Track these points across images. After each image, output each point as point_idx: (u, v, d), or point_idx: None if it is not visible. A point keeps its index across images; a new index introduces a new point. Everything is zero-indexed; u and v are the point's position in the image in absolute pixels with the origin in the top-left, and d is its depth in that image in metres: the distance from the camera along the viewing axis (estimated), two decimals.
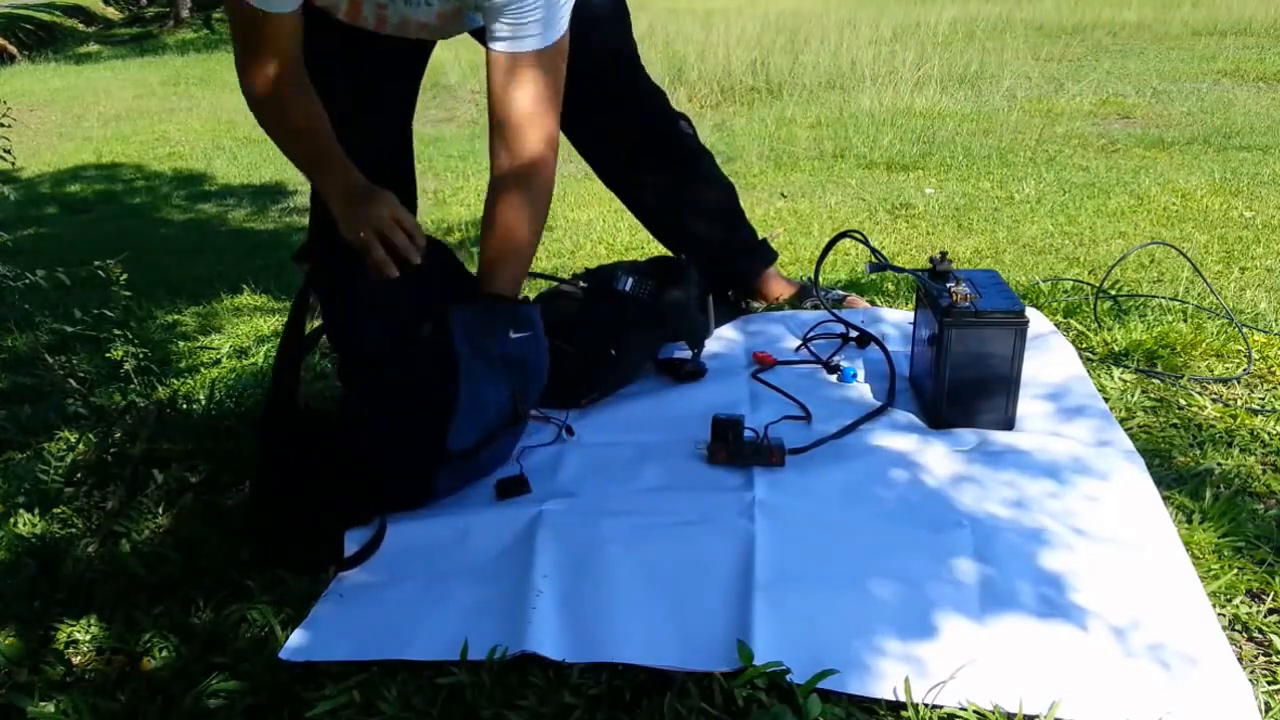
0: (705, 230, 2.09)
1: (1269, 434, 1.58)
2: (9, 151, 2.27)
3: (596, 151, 2.03)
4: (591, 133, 1.97)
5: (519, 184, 1.57)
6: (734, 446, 1.50)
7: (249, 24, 1.51)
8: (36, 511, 1.56)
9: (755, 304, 2.17)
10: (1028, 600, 1.20)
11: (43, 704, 1.13)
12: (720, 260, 2.09)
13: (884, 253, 1.71)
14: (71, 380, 2.02)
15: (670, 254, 2.07)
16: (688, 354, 1.85)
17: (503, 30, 1.50)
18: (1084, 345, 1.92)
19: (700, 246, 2.03)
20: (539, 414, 1.65)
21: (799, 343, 1.92)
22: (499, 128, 1.56)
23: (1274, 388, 1.74)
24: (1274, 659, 1.13)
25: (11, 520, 1.55)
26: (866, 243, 1.72)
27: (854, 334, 1.92)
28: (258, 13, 1.48)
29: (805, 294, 2.17)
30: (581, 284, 1.83)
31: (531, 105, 1.54)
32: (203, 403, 1.92)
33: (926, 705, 1.05)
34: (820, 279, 2.02)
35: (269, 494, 1.45)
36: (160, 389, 2.04)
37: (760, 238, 2.20)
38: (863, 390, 1.75)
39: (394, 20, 1.67)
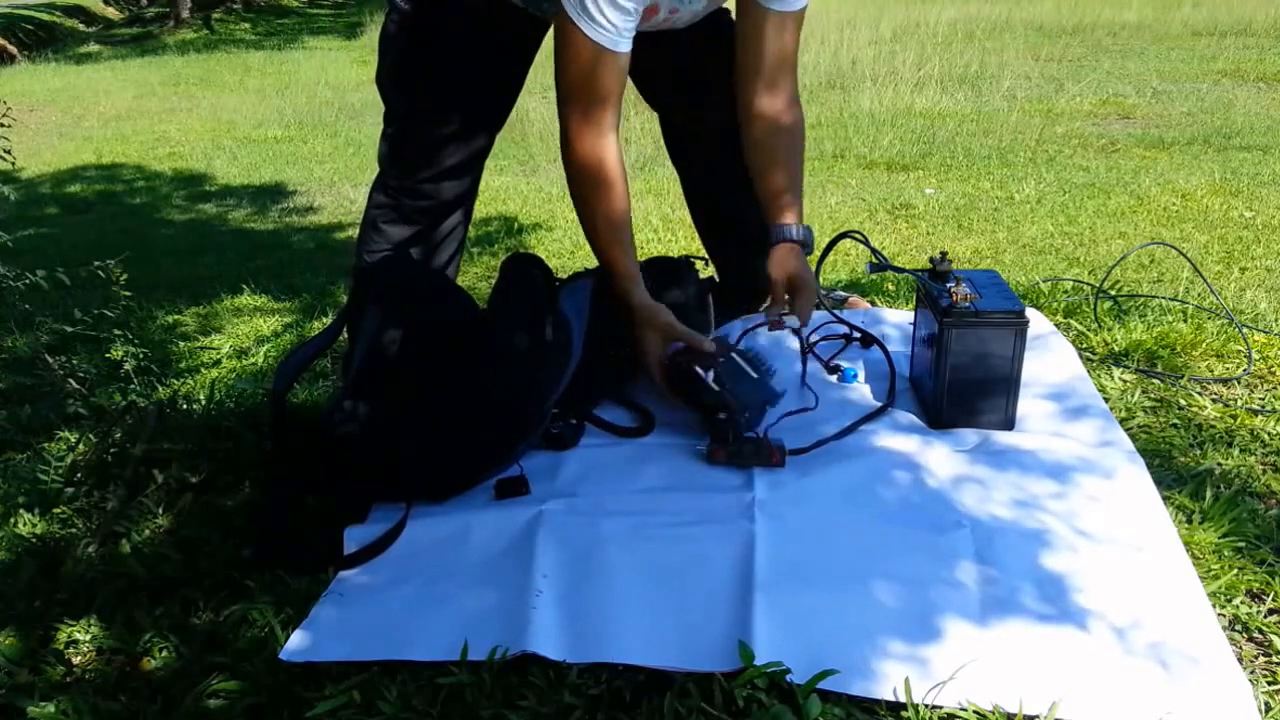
0: (747, 229, 2.08)
1: (1269, 434, 1.58)
2: (9, 152, 2.26)
3: (681, 111, 2.00)
4: (690, 97, 1.95)
5: (795, 121, 1.76)
6: (734, 446, 1.50)
7: (593, 70, 1.52)
8: (36, 511, 1.56)
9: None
10: (1028, 600, 1.20)
11: (43, 704, 1.13)
12: (753, 246, 2.09)
13: (884, 253, 1.71)
14: (71, 380, 2.01)
15: (671, 252, 2.06)
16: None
17: None
18: (1084, 345, 1.92)
19: (737, 246, 2.03)
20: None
21: (800, 344, 1.91)
22: (766, 74, 1.71)
23: (1274, 388, 1.74)
24: (1274, 659, 1.13)
25: (11, 520, 1.54)
26: (867, 243, 1.72)
27: (857, 335, 1.92)
28: (602, 53, 1.50)
29: None
30: None
31: (794, 55, 1.74)
32: (203, 403, 1.92)
33: (927, 705, 1.05)
34: (820, 279, 2.02)
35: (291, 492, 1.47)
36: (160, 389, 2.04)
37: None
38: (863, 391, 1.75)
39: (684, 15, 1.69)
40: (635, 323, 1.65)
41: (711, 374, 1.58)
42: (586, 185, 1.61)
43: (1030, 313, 1.62)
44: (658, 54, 1.71)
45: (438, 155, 1.84)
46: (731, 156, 1.86)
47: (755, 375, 1.62)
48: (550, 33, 1.70)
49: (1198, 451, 1.54)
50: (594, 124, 1.57)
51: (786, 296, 1.73)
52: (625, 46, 1.53)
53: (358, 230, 2.00)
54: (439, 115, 1.82)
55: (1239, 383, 1.76)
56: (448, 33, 1.75)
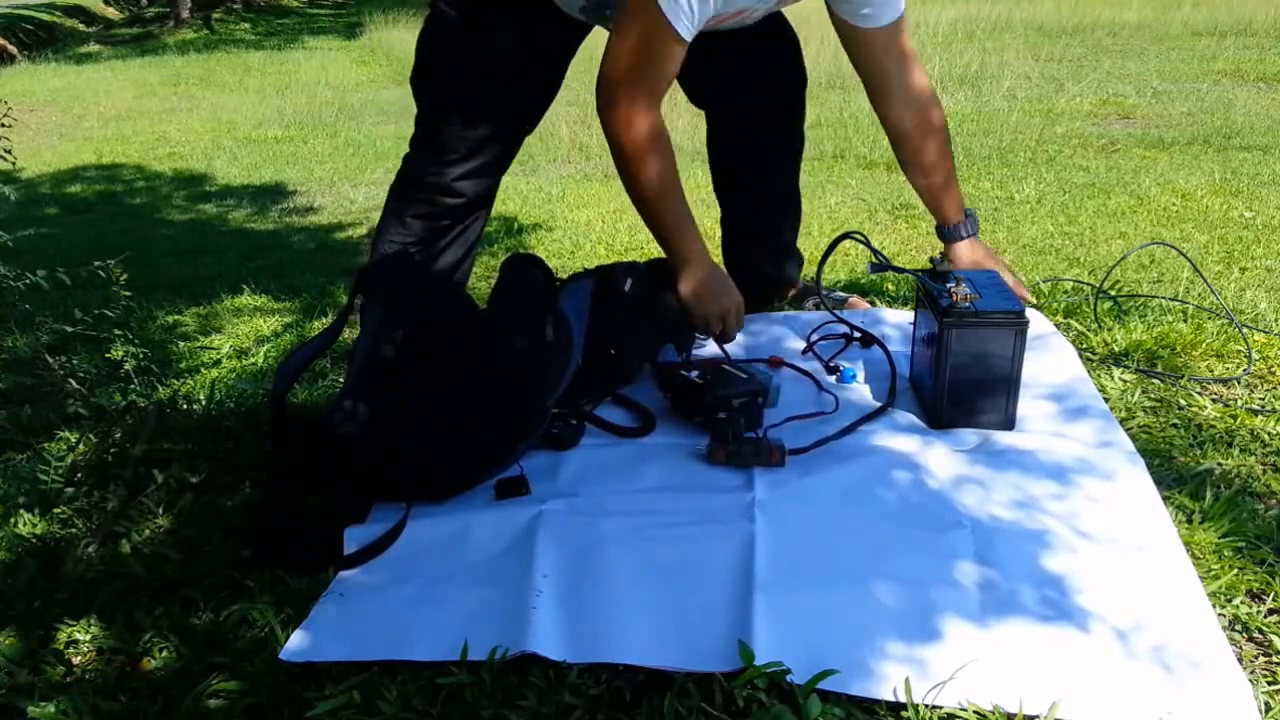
0: (774, 230, 2.12)
1: (1269, 434, 1.58)
2: (9, 151, 2.26)
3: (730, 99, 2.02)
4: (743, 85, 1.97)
5: (937, 118, 1.84)
6: (734, 446, 1.50)
7: (661, 52, 1.54)
8: (36, 512, 1.56)
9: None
10: (1028, 601, 1.20)
11: (43, 704, 1.13)
12: (775, 257, 2.12)
13: (884, 253, 1.71)
14: (71, 380, 2.01)
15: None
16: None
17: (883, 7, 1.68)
18: (1084, 345, 1.92)
19: (756, 239, 2.05)
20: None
21: (802, 343, 1.92)
22: (895, 87, 1.79)
23: (1274, 388, 1.74)
24: (1274, 659, 1.13)
25: (11, 520, 1.54)
26: (868, 244, 1.72)
27: (857, 335, 1.92)
28: (675, 39, 1.52)
29: (806, 294, 2.17)
30: None
31: (912, 57, 1.80)
32: (203, 403, 1.92)
33: (926, 705, 1.05)
34: (820, 280, 2.02)
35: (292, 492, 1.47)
36: (160, 389, 2.04)
37: None
38: (863, 391, 1.75)
39: (759, 11, 1.71)
40: (711, 283, 1.70)
41: (695, 373, 1.62)
42: (654, 159, 1.62)
43: (1030, 313, 1.62)
44: (712, 47, 1.71)
45: (468, 154, 1.85)
46: (768, 169, 1.88)
47: (745, 375, 1.63)
48: (590, 35, 1.70)
49: (1198, 451, 1.54)
50: (654, 104, 1.59)
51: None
52: (690, 38, 1.55)
53: (360, 230, 2.00)
54: (473, 115, 1.82)
55: (1239, 383, 1.76)
56: (488, 36, 1.76)
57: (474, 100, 1.83)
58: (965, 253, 1.89)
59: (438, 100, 1.87)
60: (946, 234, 1.91)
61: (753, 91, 1.95)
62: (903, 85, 1.79)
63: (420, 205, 1.92)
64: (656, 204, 1.66)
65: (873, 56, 1.75)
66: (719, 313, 1.72)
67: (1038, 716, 1.04)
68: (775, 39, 1.91)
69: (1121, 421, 1.60)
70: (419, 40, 1.86)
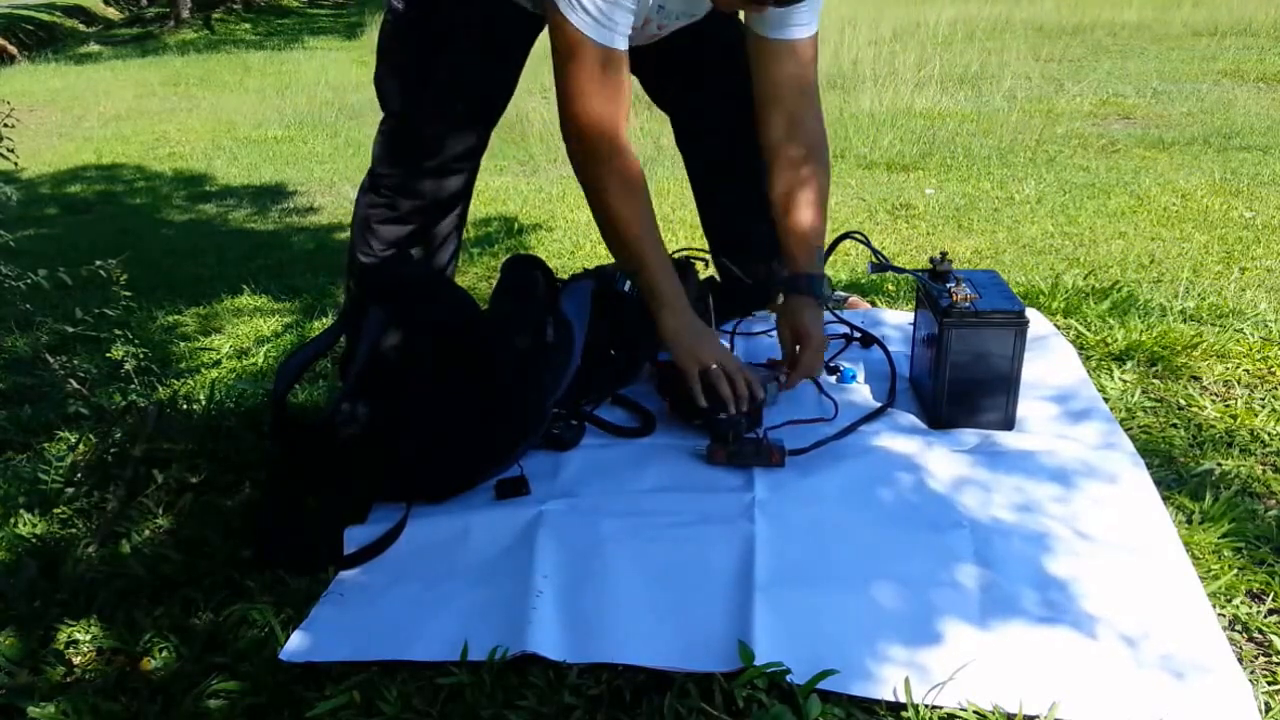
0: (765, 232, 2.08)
1: (1269, 434, 1.58)
2: (12, 150, 2.26)
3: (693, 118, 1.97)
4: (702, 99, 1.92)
5: (816, 156, 1.71)
6: (734, 447, 1.50)
7: (597, 66, 1.49)
8: (36, 512, 1.56)
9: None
10: (1027, 601, 1.20)
11: (43, 704, 1.13)
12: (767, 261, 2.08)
13: (884, 253, 1.71)
14: (72, 380, 2.01)
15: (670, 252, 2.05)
16: None
17: (805, 18, 1.63)
18: (1084, 346, 1.92)
19: (753, 246, 2.02)
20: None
21: None
22: (784, 106, 1.68)
23: (1274, 388, 1.74)
24: (1274, 659, 1.13)
25: (11, 520, 1.54)
26: (868, 244, 1.72)
27: (857, 335, 1.92)
28: (607, 52, 1.48)
29: None
30: None
31: (812, 84, 1.71)
32: (203, 403, 1.92)
33: (926, 706, 1.05)
34: None
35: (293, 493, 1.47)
36: (160, 389, 2.04)
37: None
38: (863, 391, 1.75)
39: (669, 29, 1.69)
40: (692, 327, 1.61)
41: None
42: (631, 195, 1.57)
43: (1030, 313, 1.62)
44: (649, 46, 1.70)
45: (433, 153, 1.84)
46: (736, 157, 1.86)
47: None
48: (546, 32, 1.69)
49: (1198, 452, 1.54)
50: (621, 133, 1.54)
51: (797, 348, 1.69)
52: (625, 47, 1.52)
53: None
54: (435, 113, 1.81)
55: (1239, 383, 1.76)
56: (443, 31, 1.75)
57: (429, 97, 1.79)
58: (790, 308, 1.69)
59: (398, 98, 1.83)
60: (784, 281, 1.72)
61: (718, 88, 1.88)
62: (800, 104, 1.70)
63: (387, 210, 1.88)
64: (639, 242, 1.59)
65: (781, 66, 1.67)
66: (709, 357, 1.57)
67: (1038, 716, 1.04)
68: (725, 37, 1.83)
69: (1121, 422, 1.60)
70: (379, 37, 1.82)
